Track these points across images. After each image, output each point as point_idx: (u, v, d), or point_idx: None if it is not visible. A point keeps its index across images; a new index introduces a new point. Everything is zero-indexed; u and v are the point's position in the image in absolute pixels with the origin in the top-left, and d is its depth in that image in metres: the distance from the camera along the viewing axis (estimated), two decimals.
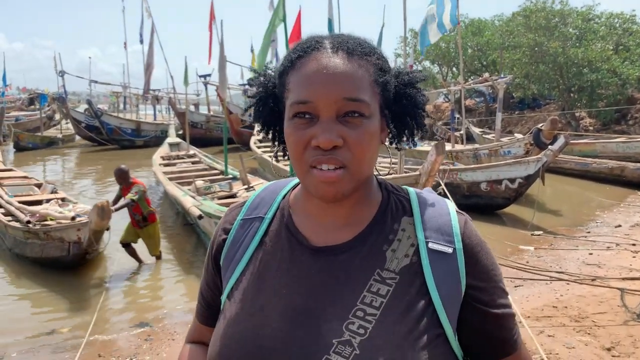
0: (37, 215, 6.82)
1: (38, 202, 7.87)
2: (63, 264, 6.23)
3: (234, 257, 0.91)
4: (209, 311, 0.99)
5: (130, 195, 6.10)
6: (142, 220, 6.28)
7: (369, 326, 0.77)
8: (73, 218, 6.37)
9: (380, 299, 0.79)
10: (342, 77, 0.78)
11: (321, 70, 0.78)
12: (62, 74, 25.09)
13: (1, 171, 10.43)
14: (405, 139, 0.93)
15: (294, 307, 0.81)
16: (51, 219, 6.61)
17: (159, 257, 6.64)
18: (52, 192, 8.72)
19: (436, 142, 6.92)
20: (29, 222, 6.59)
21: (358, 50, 0.81)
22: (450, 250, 0.83)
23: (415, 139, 0.93)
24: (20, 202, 7.75)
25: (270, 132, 0.94)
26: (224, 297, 0.90)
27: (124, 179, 6.35)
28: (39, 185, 9.28)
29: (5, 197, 7.91)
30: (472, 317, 0.83)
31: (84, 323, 4.73)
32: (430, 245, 0.83)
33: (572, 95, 20.72)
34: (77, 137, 24.28)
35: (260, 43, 8.42)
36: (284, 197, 0.96)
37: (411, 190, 0.93)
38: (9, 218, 7.13)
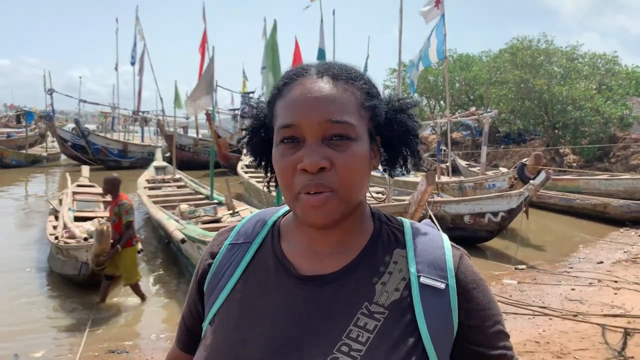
0: (68, 232, 6.86)
1: (93, 219, 8.09)
2: (76, 283, 6.34)
3: (218, 283, 0.88)
4: (189, 338, 0.95)
5: (126, 218, 5.68)
6: (118, 241, 5.69)
7: None
8: (86, 239, 6.32)
9: (367, 334, 0.76)
10: (327, 99, 0.78)
11: (305, 94, 0.78)
12: (50, 92, 24.98)
13: (83, 186, 10.90)
14: (398, 166, 0.91)
15: (276, 338, 0.78)
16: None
17: (134, 287, 5.92)
18: None
19: (424, 172, 6.99)
20: (56, 237, 6.70)
21: (344, 75, 0.81)
22: (442, 285, 0.79)
23: (409, 166, 0.91)
24: (79, 217, 8.14)
25: (262, 162, 0.94)
26: (205, 324, 0.87)
27: (113, 190, 5.86)
28: (108, 203, 9.40)
29: (65, 211, 8.08)
30: (466, 359, 0.79)
31: (58, 347, 4.60)
32: (422, 279, 0.80)
33: (556, 131, 21.13)
34: (63, 156, 24.09)
35: (269, 64, 8.48)
36: (274, 224, 0.94)
37: (406, 221, 0.90)
38: (53, 232, 7.36)
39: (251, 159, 0.94)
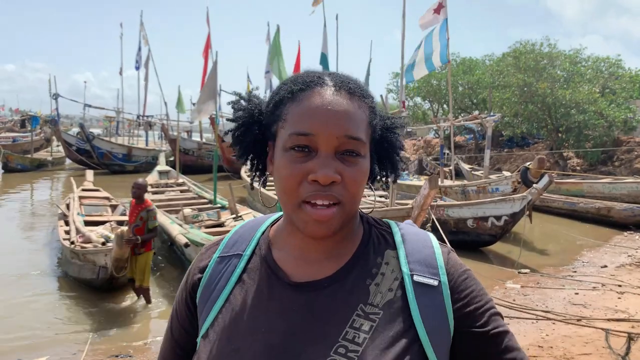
0: (83, 236, 6.91)
1: (103, 223, 8.14)
2: (93, 287, 6.38)
3: (210, 296, 0.88)
4: (177, 355, 0.94)
5: (152, 223, 5.82)
6: (139, 247, 5.78)
7: None
8: (104, 243, 6.39)
9: (363, 334, 0.77)
10: (345, 115, 0.79)
11: (325, 105, 0.79)
12: (56, 96, 25.11)
13: (88, 190, 11.00)
14: (379, 179, 0.94)
15: (272, 346, 0.78)
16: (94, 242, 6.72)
17: (145, 290, 6.03)
18: (121, 214, 8.93)
19: (428, 176, 6.99)
20: (72, 242, 6.76)
21: (358, 91, 0.83)
22: (435, 282, 0.81)
23: (389, 180, 0.94)
24: (88, 221, 8.18)
25: (249, 158, 0.93)
26: (199, 338, 0.86)
27: (142, 194, 5.93)
28: (114, 207, 9.61)
29: (74, 216, 8.18)
30: (472, 346, 0.80)
31: (62, 351, 4.62)
32: (416, 278, 0.81)
33: (559, 135, 21.09)
34: (68, 161, 24.20)
35: (277, 65, 8.54)
36: (263, 233, 0.94)
37: (392, 222, 0.92)
38: (65, 236, 7.39)
39: (238, 154, 0.93)
